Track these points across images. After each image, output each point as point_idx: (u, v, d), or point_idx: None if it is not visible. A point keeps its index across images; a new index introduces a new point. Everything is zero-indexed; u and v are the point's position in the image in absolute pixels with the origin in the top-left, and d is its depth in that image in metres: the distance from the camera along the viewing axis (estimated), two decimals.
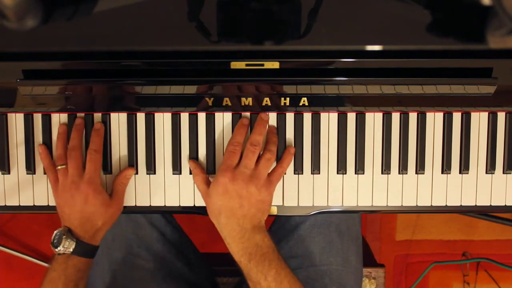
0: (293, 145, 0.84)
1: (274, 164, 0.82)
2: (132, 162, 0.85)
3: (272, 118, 0.85)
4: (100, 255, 0.90)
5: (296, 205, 0.86)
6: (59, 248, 0.76)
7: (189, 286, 0.96)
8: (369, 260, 1.12)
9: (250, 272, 0.75)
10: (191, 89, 0.80)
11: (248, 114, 0.84)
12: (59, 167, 0.81)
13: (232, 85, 0.80)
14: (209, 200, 0.79)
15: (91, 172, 0.79)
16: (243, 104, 0.82)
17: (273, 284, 0.74)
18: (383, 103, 0.83)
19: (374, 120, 0.85)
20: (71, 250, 0.76)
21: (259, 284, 0.75)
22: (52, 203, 0.85)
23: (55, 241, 0.77)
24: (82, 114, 0.84)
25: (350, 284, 0.93)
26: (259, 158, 0.80)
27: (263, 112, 0.82)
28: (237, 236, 0.76)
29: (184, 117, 0.85)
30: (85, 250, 0.78)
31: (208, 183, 0.81)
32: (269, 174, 0.80)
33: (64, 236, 0.76)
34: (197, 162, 0.84)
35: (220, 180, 0.77)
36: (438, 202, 0.86)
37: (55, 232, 0.77)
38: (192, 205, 0.86)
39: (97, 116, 0.84)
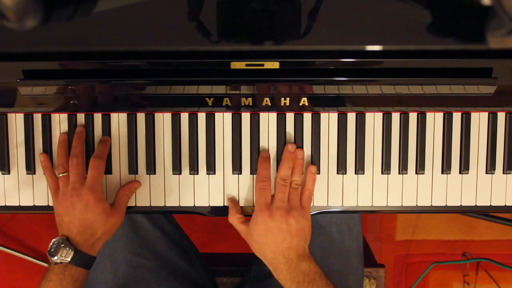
0: (294, 145, 0.84)
1: None
2: (132, 162, 0.85)
3: (272, 118, 0.85)
4: (102, 255, 0.90)
5: None
6: (56, 258, 0.74)
7: (191, 284, 0.96)
8: (369, 260, 1.12)
9: None
10: (191, 89, 0.80)
11: (248, 114, 0.84)
12: (60, 175, 0.80)
13: (232, 85, 0.80)
14: (252, 239, 0.80)
15: (93, 179, 0.78)
16: (243, 104, 0.82)
17: None
18: (383, 103, 0.83)
19: (374, 120, 0.85)
20: (69, 259, 0.75)
21: None
22: (51, 203, 0.85)
23: (52, 250, 0.74)
24: (83, 122, 0.84)
25: (351, 285, 0.93)
26: None
27: (290, 144, 0.83)
28: (284, 268, 0.77)
29: (184, 117, 0.85)
30: (83, 260, 0.77)
31: (244, 222, 0.82)
32: (300, 200, 0.81)
33: (62, 245, 0.74)
34: (235, 200, 0.85)
35: (259, 219, 0.78)
36: (438, 202, 0.86)
37: (52, 240, 0.76)
38: (192, 205, 0.86)
39: (97, 116, 0.84)
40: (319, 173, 0.85)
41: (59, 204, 0.79)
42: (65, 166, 0.81)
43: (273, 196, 0.80)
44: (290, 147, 0.83)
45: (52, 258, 0.75)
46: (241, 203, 0.86)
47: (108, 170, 0.85)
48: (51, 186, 0.82)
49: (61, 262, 0.75)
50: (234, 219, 0.83)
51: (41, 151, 0.85)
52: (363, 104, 0.83)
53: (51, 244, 0.75)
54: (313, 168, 0.83)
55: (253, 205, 0.85)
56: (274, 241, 0.77)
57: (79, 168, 0.79)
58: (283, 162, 0.82)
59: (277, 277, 0.79)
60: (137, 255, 0.92)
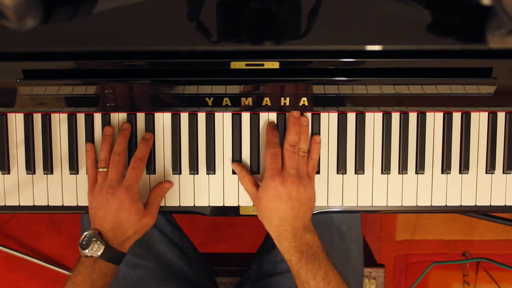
0: (298, 112, 0.84)
1: None
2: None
3: (272, 118, 0.85)
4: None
5: None
6: (87, 251, 0.75)
7: (191, 285, 0.96)
8: (369, 260, 1.12)
9: (299, 271, 0.76)
10: (191, 89, 0.80)
11: (248, 114, 0.84)
12: (100, 170, 0.80)
13: (232, 85, 0.80)
14: (260, 204, 0.79)
15: (132, 180, 0.79)
16: (243, 104, 0.82)
17: (321, 284, 0.75)
18: (383, 103, 0.83)
19: (374, 120, 0.85)
20: (99, 253, 0.75)
21: (307, 283, 0.76)
22: (52, 203, 0.86)
23: (83, 243, 0.75)
24: (83, 122, 0.84)
25: (351, 285, 0.93)
26: None
27: (294, 111, 0.82)
28: (289, 236, 0.77)
29: (184, 117, 0.85)
30: (113, 255, 0.77)
31: (256, 185, 0.82)
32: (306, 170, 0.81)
33: (94, 239, 0.75)
34: (242, 164, 0.85)
35: (270, 184, 0.77)
36: (438, 202, 0.86)
37: (84, 233, 0.76)
38: (192, 205, 0.86)
39: (97, 116, 0.84)
40: (318, 173, 0.85)
41: (94, 198, 0.80)
42: (106, 161, 0.81)
43: (283, 164, 0.79)
44: (295, 113, 0.82)
45: (83, 251, 0.75)
46: (241, 203, 0.86)
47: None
48: (90, 178, 0.82)
49: (91, 256, 0.76)
50: (246, 180, 0.82)
51: (41, 151, 0.85)
52: (363, 104, 0.83)
53: (83, 237, 0.76)
54: (317, 138, 0.83)
55: (253, 205, 0.85)
56: (283, 208, 0.77)
57: (119, 166, 0.80)
58: (290, 128, 0.81)
59: (279, 245, 0.78)
60: (136, 255, 0.92)
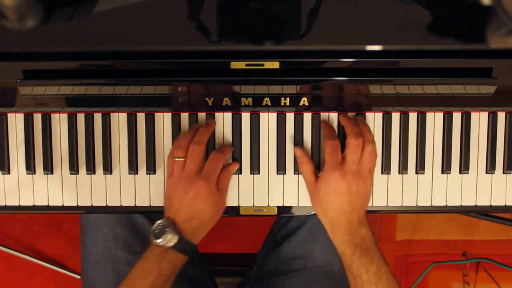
0: (293, 145, 0.84)
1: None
2: (132, 161, 0.85)
3: (272, 118, 0.85)
4: (102, 255, 0.90)
5: (296, 205, 0.86)
6: (159, 240, 0.74)
7: (191, 283, 0.96)
8: None
9: (352, 264, 0.76)
10: (191, 89, 0.80)
11: (248, 114, 0.84)
12: (176, 159, 0.79)
13: (232, 85, 0.80)
14: (317, 195, 0.79)
15: (211, 171, 0.78)
16: (243, 104, 0.82)
17: (373, 279, 0.75)
18: (383, 103, 0.83)
19: (374, 120, 0.85)
20: (172, 244, 0.74)
21: (359, 277, 0.76)
22: (52, 203, 0.86)
23: (156, 231, 0.74)
24: (83, 121, 0.84)
25: None
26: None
27: (343, 113, 0.83)
28: (345, 229, 0.76)
29: (184, 117, 0.85)
30: (185, 247, 0.76)
31: (315, 175, 0.81)
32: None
33: (168, 229, 0.74)
34: (304, 149, 0.84)
35: (330, 177, 0.77)
36: (438, 202, 0.86)
37: (157, 222, 0.75)
38: None
39: (97, 116, 0.84)
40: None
41: (170, 187, 0.79)
42: (182, 150, 0.79)
43: (343, 157, 0.79)
44: (346, 114, 0.83)
45: (156, 240, 0.74)
46: (241, 203, 0.86)
47: (108, 170, 0.85)
48: (168, 167, 0.81)
49: (163, 245, 0.75)
50: (307, 167, 0.82)
51: (41, 151, 0.85)
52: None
53: (156, 225, 0.75)
54: (371, 137, 0.82)
55: (253, 205, 0.85)
56: (340, 201, 0.76)
57: (198, 157, 0.78)
58: (349, 122, 0.81)
59: (333, 237, 0.78)
60: (137, 254, 0.91)
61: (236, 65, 0.76)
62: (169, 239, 0.74)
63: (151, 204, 0.86)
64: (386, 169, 0.85)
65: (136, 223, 0.93)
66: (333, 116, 0.85)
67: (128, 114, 0.84)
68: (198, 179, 0.76)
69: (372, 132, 0.85)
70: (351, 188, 0.76)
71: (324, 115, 0.84)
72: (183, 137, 0.81)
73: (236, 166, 0.84)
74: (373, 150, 0.80)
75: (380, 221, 1.62)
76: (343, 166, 0.77)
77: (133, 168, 0.85)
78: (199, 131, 0.81)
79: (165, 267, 0.75)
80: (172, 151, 0.82)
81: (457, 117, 0.85)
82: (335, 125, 0.85)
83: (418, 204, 0.86)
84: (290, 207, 0.86)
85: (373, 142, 0.80)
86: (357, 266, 0.75)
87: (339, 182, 0.76)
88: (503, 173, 0.86)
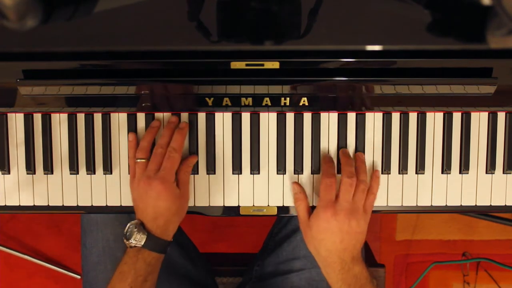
0: (294, 145, 0.84)
1: None
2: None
3: (272, 118, 0.85)
4: (103, 255, 0.90)
5: None
6: (130, 241, 0.76)
7: (192, 283, 0.96)
8: (369, 260, 1.12)
9: None
10: (191, 89, 0.80)
11: (248, 114, 0.84)
12: (138, 160, 0.80)
13: (232, 85, 0.80)
14: (309, 232, 0.80)
15: (167, 170, 0.79)
16: (243, 104, 0.82)
17: None
18: (383, 103, 0.83)
19: (374, 120, 0.85)
20: (142, 243, 0.76)
21: None
22: (52, 203, 0.86)
23: (127, 233, 0.77)
24: (83, 122, 0.84)
25: None
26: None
27: (344, 148, 0.84)
28: (337, 268, 0.77)
29: (184, 117, 0.85)
30: (156, 244, 0.77)
31: (309, 212, 0.82)
32: (363, 204, 0.80)
33: (136, 229, 0.76)
34: (301, 186, 0.85)
35: (322, 215, 0.77)
36: (438, 202, 0.86)
37: (128, 224, 0.77)
38: (193, 204, 0.86)
39: (97, 116, 0.84)
40: (318, 174, 0.85)
41: (134, 190, 0.81)
42: (145, 152, 0.81)
43: (337, 196, 0.79)
44: (346, 151, 0.84)
45: (127, 241, 0.77)
46: (241, 203, 0.86)
47: (108, 170, 0.85)
48: (130, 168, 0.83)
49: (135, 246, 0.76)
50: (301, 204, 0.82)
51: (41, 151, 0.85)
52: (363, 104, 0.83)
53: (127, 227, 0.77)
54: (378, 173, 0.84)
55: (253, 205, 0.85)
56: (332, 240, 0.77)
57: (160, 159, 0.79)
58: (345, 161, 0.82)
59: (326, 275, 0.79)
60: None
61: (236, 65, 0.76)
62: (139, 239, 0.76)
63: None
64: (386, 169, 0.85)
65: None
66: (333, 116, 0.85)
67: (128, 114, 0.84)
68: (156, 179, 0.77)
69: (373, 132, 0.85)
70: (343, 227, 0.76)
71: (324, 115, 0.84)
72: (144, 139, 0.82)
73: (195, 159, 0.85)
74: (365, 189, 0.80)
75: (380, 221, 1.62)
76: (335, 205, 0.78)
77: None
78: (163, 133, 0.82)
79: (140, 267, 0.76)
80: (132, 153, 0.83)
81: (457, 117, 0.85)
82: (335, 126, 0.85)
83: (418, 204, 0.86)
84: (290, 207, 0.86)
85: (366, 182, 0.81)
86: None
87: (331, 220, 0.76)
88: (503, 173, 0.86)
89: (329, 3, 0.74)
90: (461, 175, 0.86)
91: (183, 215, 0.82)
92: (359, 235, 0.78)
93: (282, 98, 0.81)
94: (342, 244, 0.76)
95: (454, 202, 0.86)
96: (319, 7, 0.74)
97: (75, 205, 0.86)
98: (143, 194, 0.78)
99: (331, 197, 0.79)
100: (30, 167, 0.85)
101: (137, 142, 0.83)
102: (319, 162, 0.85)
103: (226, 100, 0.82)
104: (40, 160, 0.85)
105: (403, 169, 0.85)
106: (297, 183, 0.85)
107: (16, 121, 0.85)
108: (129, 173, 0.84)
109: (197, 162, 0.85)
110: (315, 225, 0.78)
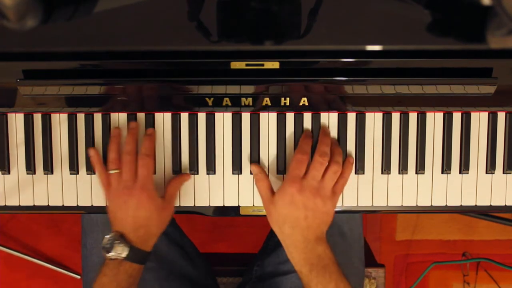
0: (293, 145, 0.84)
1: None
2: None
3: (272, 118, 0.85)
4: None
5: None
6: (111, 254, 0.75)
7: (192, 283, 0.96)
8: (369, 260, 1.12)
9: (310, 283, 0.75)
10: (191, 89, 0.80)
11: (248, 114, 0.84)
12: (112, 171, 0.79)
13: (232, 85, 0.80)
14: (273, 209, 0.79)
15: (144, 177, 0.78)
16: (243, 104, 0.82)
17: None
18: (383, 103, 0.83)
19: (374, 120, 0.85)
20: (124, 256, 0.75)
21: None
22: (52, 203, 0.86)
23: (107, 246, 0.75)
24: (83, 122, 0.84)
25: (353, 285, 0.93)
26: (325, 169, 0.79)
27: (326, 127, 0.83)
28: (300, 247, 0.76)
29: (184, 117, 0.85)
30: (137, 256, 0.76)
31: (271, 190, 0.81)
32: (333, 186, 0.80)
33: (117, 242, 0.75)
34: (261, 166, 0.84)
35: (288, 190, 0.77)
36: (438, 202, 0.86)
37: (106, 237, 0.76)
38: (192, 205, 0.86)
39: (97, 116, 0.84)
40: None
41: (111, 201, 0.79)
42: (117, 162, 0.80)
43: (306, 172, 0.78)
44: (326, 129, 0.83)
45: (107, 254, 0.75)
46: (241, 203, 0.86)
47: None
48: (103, 182, 0.81)
49: (116, 258, 0.75)
50: (263, 184, 0.81)
51: (41, 151, 0.85)
52: (363, 104, 0.83)
53: (105, 240, 0.75)
54: (351, 159, 0.83)
55: (253, 205, 0.85)
56: (295, 216, 0.76)
57: (132, 166, 0.79)
58: (322, 139, 0.81)
59: (289, 255, 0.78)
60: None
61: (236, 65, 0.76)
62: (120, 251, 0.75)
63: None
64: (386, 169, 0.85)
65: None
66: (333, 116, 0.85)
67: (128, 114, 0.84)
68: (135, 189, 0.77)
69: (372, 132, 0.85)
70: (307, 203, 0.76)
71: (324, 115, 0.84)
72: (111, 150, 0.81)
73: (188, 177, 0.84)
74: (337, 171, 0.79)
75: (380, 221, 1.62)
76: (302, 181, 0.77)
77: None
78: (126, 141, 0.81)
79: (122, 279, 0.75)
80: (99, 168, 0.81)
81: (457, 117, 0.85)
82: (334, 128, 0.85)
83: (418, 204, 0.86)
84: None
85: (340, 164, 0.80)
86: (314, 285, 0.75)
87: (295, 195, 0.76)
88: (503, 173, 0.86)
89: (329, 3, 0.74)
90: (461, 175, 0.86)
91: (164, 227, 0.81)
92: (324, 215, 0.77)
93: (282, 98, 0.82)
94: (306, 222, 0.75)
95: (454, 202, 0.86)
96: (319, 7, 0.74)
97: (75, 205, 0.86)
98: (122, 204, 0.77)
99: (299, 173, 0.78)
100: (30, 167, 0.85)
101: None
102: None
103: (226, 100, 0.82)
104: (40, 160, 0.85)
105: (403, 169, 0.85)
106: (256, 164, 0.84)
107: (16, 121, 0.85)
108: (100, 185, 0.82)
109: (197, 162, 0.85)
110: (280, 199, 0.77)
